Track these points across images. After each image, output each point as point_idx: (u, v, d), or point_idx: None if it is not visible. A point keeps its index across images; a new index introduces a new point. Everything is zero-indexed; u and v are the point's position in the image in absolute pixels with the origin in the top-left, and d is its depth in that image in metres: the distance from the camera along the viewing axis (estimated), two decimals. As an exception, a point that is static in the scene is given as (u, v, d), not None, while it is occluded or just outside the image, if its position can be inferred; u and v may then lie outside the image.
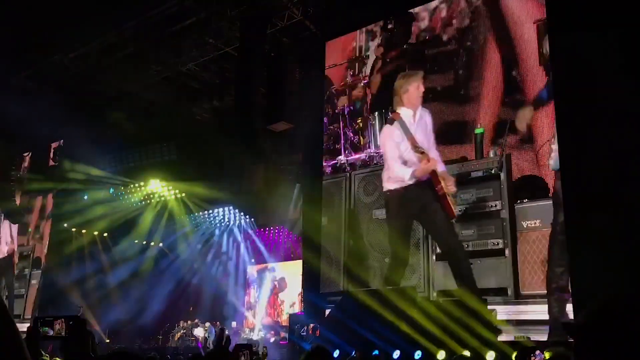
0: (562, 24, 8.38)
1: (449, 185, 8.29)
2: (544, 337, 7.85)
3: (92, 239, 18.07)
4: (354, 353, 9.13)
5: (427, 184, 8.51)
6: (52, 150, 16.95)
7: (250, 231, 18.58)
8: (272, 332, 15.68)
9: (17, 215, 17.77)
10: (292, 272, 17.14)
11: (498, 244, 8.54)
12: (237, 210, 18.19)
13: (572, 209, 7.81)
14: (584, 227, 7.54)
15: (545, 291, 7.99)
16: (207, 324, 15.90)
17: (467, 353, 7.90)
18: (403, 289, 8.73)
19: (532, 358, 5.88)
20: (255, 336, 16.00)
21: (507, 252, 8.45)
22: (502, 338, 7.75)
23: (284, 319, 16.60)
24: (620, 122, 7.52)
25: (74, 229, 17.58)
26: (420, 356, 8.75)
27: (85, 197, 17.69)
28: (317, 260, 11.19)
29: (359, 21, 11.55)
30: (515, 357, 6.86)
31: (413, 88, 9.35)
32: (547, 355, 6.44)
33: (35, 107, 14.13)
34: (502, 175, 8.69)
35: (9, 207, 17.76)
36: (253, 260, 18.84)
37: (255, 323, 17.79)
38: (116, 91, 14.84)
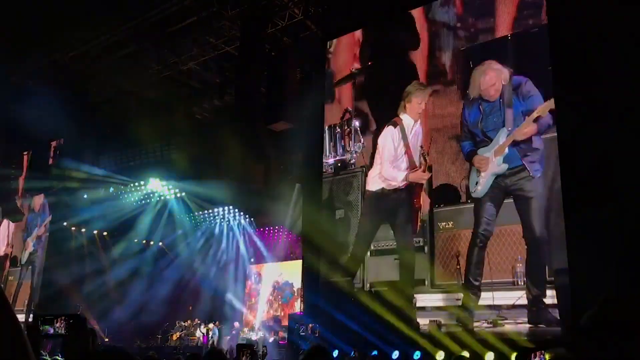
0: (562, 24, 8.38)
1: (424, 204, 9.70)
2: (453, 321, 8.93)
3: (92, 238, 18.06)
4: (352, 353, 9.16)
5: (405, 192, 9.99)
6: (52, 149, 16.95)
7: (250, 231, 18.57)
8: (272, 331, 15.67)
9: (17, 214, 17.79)
10: (291, 271, 17.16)
11: (419, 242, 9.77)
12: (236, 210, 18.17)
13: (572, 207, 7.83)
14: (583, 224, 7.58)
15: (455, 282, 9.14)
16: (211, 325, 15.89)
17: (465, 354, 7.92)
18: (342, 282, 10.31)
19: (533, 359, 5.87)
20: (255, 336, 15.99)
21: (426, 249, 9.67)
22: (420, 320, 9.27)
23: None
24: (620, 121, 7.53)
25: (73, 228, 17.57)
26: (419, 356, 8.80)
27: (85, 196, 17.67)
28: (316, 260, 11.21)
29: (360, 21, 11.55)
30: (516, 357, 6.87)
31: (416, 102, 10.35)
32: (547, 356, 6.43)
33: (35, 106, 14.13)
34: (425, 184, 9.90)
35: (8, 206, 17.78)
36: (252, 260, 18.82)
37: (255, 323, 17.77)
38: (116, 90, 14.83)
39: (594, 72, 7.79)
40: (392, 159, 10.25)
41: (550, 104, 8.41)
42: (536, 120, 8.55)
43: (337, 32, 11.88)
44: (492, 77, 9.20)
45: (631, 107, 7.42)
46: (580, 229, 7.67)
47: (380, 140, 10.51)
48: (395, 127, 10.30)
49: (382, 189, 10.34)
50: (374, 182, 10.48)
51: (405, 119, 10.22)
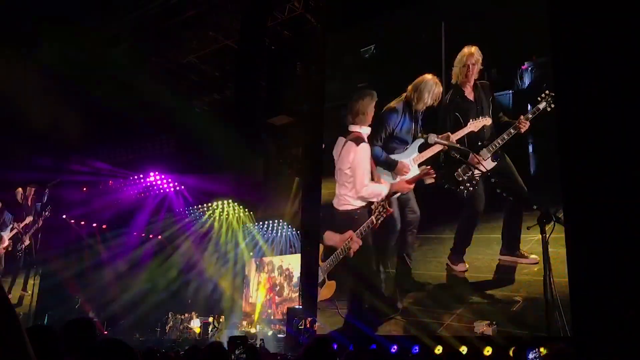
0: (565, 24, 8.36)
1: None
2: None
3: (91, 231, 18.07)
4: (351, 347, 9.19)
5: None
6: (50, 143, 16.90)
7: (249, 224, 18.57)
8: (271, 325, 15.73)
9: (16, 206, 17.78)
10: (292, 264, 17.21)
11: None
12: (236, 204, 18.17)
13: (573, 208, 7.85)
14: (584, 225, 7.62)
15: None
16: (210, 318, 15.95)
17: (464, 349, 7.97)
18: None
19: (532, 353, 5.90)
20: (253, 329, 16.04)
21: None
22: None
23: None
24: (622, 123, 7.52)
25: (72, 221, 17.58)
26: (417, 351, 8.84)
27: (84, 189, 17.67)
28: (315, 253, 11.22)
29: (361, 15, 11.51)
30: (513, 352, 6.91)
31: (371, 107, 10.11)
32: (543, 350, 6.46)
33: (34, 98, 14.10)
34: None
35: (8, 198, 17.77)
36: (251, 254, 18.85)
37: (253, 316, 17.83)
38: (115, 83, 14.77)
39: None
40: (367, 176, 9.93)
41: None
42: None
43: (338, 26, 11.85)
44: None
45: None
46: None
47: (357, 160, 10.04)
48: (359, 143, 9.97)
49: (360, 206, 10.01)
50: (351, 202, 10.05)
51: (364, 130, 9.95)
